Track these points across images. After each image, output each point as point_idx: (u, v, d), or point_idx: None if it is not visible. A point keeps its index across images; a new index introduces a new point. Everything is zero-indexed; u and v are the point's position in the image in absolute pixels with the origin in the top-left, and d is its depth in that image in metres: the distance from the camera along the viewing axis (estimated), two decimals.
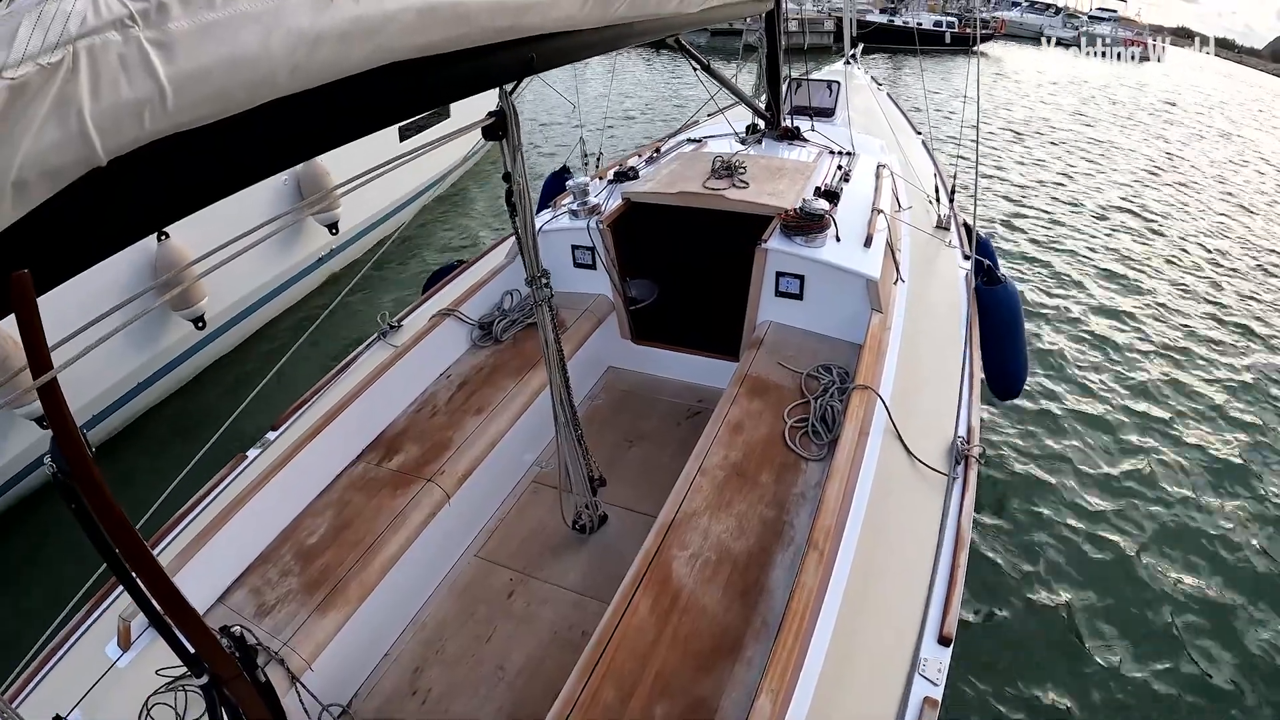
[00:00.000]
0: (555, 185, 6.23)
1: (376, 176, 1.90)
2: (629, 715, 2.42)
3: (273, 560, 3.28)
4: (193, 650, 1.80)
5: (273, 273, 7.56)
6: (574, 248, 4.61)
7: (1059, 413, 6.26)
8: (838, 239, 4.01)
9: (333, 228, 7.96)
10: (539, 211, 5.05)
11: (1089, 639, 4.28)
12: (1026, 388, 5.75)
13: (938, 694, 2.32)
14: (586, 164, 6.61)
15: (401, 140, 8.14)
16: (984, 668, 4.05)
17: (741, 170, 4.59)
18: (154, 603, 1.68)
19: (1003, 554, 4.77)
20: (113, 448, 6.16)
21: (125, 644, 2.78)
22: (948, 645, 2.45)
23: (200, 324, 6.51)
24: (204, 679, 1.85)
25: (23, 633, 2.87)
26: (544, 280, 2.94)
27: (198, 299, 6.35)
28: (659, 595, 2.76)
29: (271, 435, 3.76)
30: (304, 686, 2.80)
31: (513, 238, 4.78)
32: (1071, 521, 5.08)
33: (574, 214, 4.58)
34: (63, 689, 2.68)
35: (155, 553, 3.24)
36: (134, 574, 1.61)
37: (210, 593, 3.13)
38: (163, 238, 5.94)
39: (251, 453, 3.67)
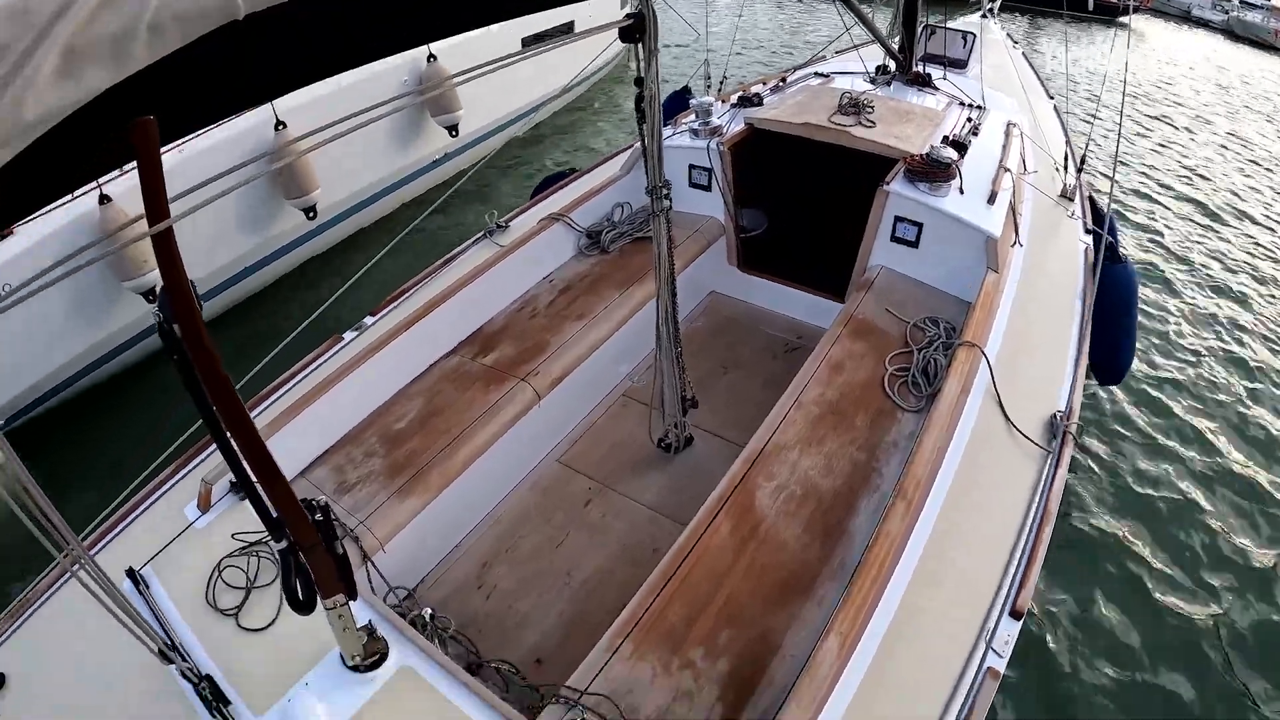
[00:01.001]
0: (676, 104, 5.99)
1: (490, 71, 1.81)
2: (694, 636, 2.34)
3: (358, 441, 3.25)
4: (275, 515, 1.76)
5: (387, 170, 7.51)
6: (691, 167, 4.44)
7: (1163, 401, 5.79)
8: (961, 191, 3.79)
9: (453, 130, 7.81)
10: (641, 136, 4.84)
11: (1159, 633, 3.96)
12: (1130, 373, 5.38)
13: (1001, 666, 2.23)
14: (709, 88, 6.40)
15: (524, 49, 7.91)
16: (1048, 646, 3.80)
17: (869, 109, 4.32)
18: (244, 465, 1.64)
19: (1085, 534, 4.47)
20: (216, 326, 6.25)
21: (204, 506, 2.80)
22: (1018, 619, 2.34)
23: (311, 214, 6.54)
24: (283, 544, 1.80)
25: (109, 490, 2.91)
26: (665, 191, 2.80)
27: (310, 188, 6.35)
28: (740, 522, 2.65)
29: (369, 320, 3.71)
30: (374, 566, 2.76)
31: (629, 151, 4.66)
32: (1161, 513, 4.67)
33: (694, 133, 4.41)
34: (139, 544, 2.71)
35: None
36: (228, 434, 1.57)
37: (293, 466, 3.11)
38: (280, 127, 5.96)
39: (348, 335, 3.64)
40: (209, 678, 2.18)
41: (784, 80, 5.45)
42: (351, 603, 2.01)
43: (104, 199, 5.05)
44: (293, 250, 6.85)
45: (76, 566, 1.75)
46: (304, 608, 1.90)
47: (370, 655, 2.15)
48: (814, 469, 2.84)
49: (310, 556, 1.84)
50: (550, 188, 4.79)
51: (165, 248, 1.28)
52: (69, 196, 4.91)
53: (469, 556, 3.27)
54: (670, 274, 2.98)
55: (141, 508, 2.84)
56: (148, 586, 2.54)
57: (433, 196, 6.59)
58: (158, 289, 1.41)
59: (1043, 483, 2.77)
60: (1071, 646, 3.83)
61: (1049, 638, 3.85)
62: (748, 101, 4.69)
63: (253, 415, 3.20)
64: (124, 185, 5.04)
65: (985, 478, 2.72)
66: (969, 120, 4.55)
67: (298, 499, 1.78)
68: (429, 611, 2.53)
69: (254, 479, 1.68)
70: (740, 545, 2.58)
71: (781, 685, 2.26)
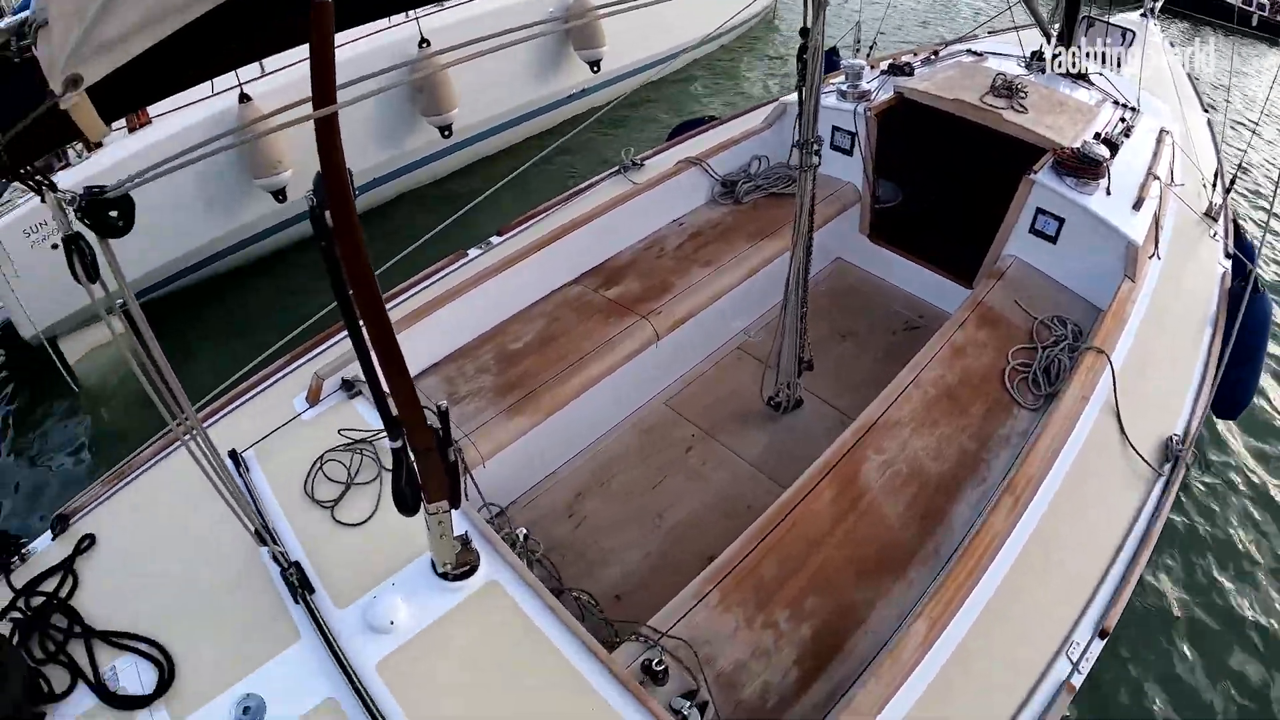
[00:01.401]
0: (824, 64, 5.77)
1: (636, 7, 1.82)
2: (781, 596, 2.30)
3: (472, 356, 3.25)
4: (395, 414, 1.74)
5: (525, 98, 7.51)
6: (835, 129, 4.23)
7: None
8: (1108, 192, 3.56)
9: (594, 65, 7.75)
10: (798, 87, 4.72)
11: (1247, 677, 3.68)
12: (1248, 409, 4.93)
13: (1077, 682, 2.16)
14: (858, 51, 6.13)
15: None
16: (1128, 667, 3.58)
17: (1022, 94, 4.02)
18: (372, 358, 1.63)
19: (1182, 562, 4.16)
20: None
21: (314, 400, 2.83)
22: (1103, 638, 2.27)
23: (447, 133, 6.62)
24: (398, 444, 1.78)
25: (222, 374, 2.97)
26: (816, 147, 2.73)
27: (448, 108, 6.41)
28: (843, 490, 2.59)
29: (495, 239, 3.70)
30: (473, 479, 2.77)
31: (772, 105, 4.49)
32: (1260, 564, 4.26)
33: (842, 95, 4.20)
34: (243, 428, 2.77)
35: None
36: (361, 325, 1.57)
37: (409, 368, 3.17)
38: (424, 44, 6.00)
39: (473, 252, 3.63)
40: (297, 564, 2.23)
41: (936, 54, 5.17)
42: (453, 511, 2.01)
43: (244, 98, 5.20)
44: (425, 166, 6.96)
45: (188, 436, 1.77)
46: (408, 509, 1.89)
47: (461, 565, 2.14)
48: (924, 450, 2.76)
49: (422, 460, 1.82)
50: (687, 132, 4.68)
51: (328, 132, 1.27)
52: (210, 92, 5.09)
53: (563, 485, 3.25)
54: (809, 232, 2.90)
55: (250, 394, 2.92)
56: (248, 469, 2.61)
57: (569, 128, 6.60)
58: (315, 175, 1.40)
59: (1149, 505, 2.65)
60: (1141, 675, 3.60)
61: (1124, 663, 3.62)
62: (898, 70, 4.45)
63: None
64: (263, 87, 5.20)
65: (1092, 489, 2.61)
66: (1122, 120, 4.22)
67: (420, 400, 1.76)
68: (523, 531, 2.52)
69: (380, 374, 1.66)
70: (840, 514, 2.53)
71: (859, 660, 2.22)
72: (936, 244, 4.21)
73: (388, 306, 3.21)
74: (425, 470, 1.85)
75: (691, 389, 3.70)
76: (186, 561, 2.36)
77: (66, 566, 2.43)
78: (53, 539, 2.58)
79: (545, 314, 3.46)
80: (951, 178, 4.53)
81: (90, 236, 1.34)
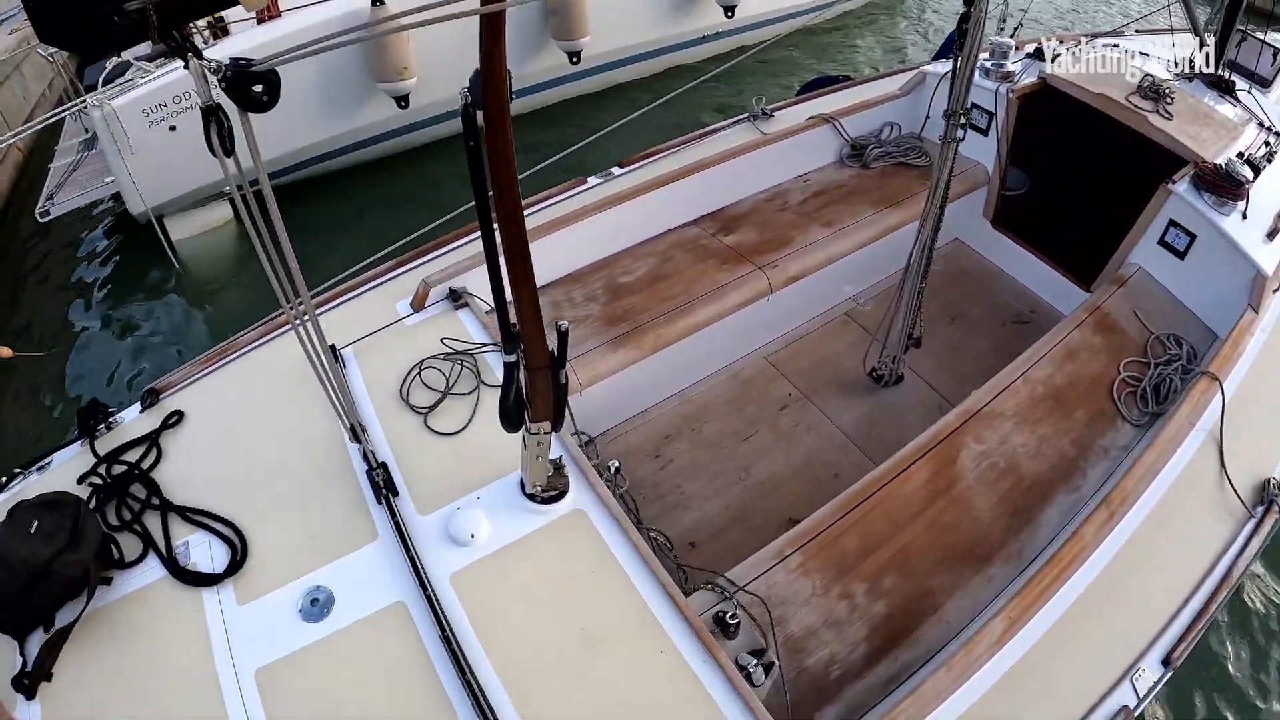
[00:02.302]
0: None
1: None
2: (861, 570, 2.25)
3: (582, 283, 3.16)
4: (515, 326, 1.64)
5: (656, 33, 7.33)
6: (973, 105, 3.92)
7: None
8: (1244, 216, 3.28)
9: (729, 10, 7.50)
10: (935, 59, 4.49)
11: None
12: None
13: (1136, 708, 2.10)
14: (1003, 29, 5.72)
15: None
16: (1184, 703, 3.34)
17: (1169, 100, 3.68)
18: (501, 269, 1.56)
19: (1257, 607, 3.80)
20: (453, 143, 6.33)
21: (419, 306, 2.75)
22: (1168, 667, 2.21)
23: (575, 59, 6.51)
24: (513, 357, 1.68)
25: (329, 271, 2.92)
26: (963, 120, 2.54)
27: (579, 34, 6.26)
28: (937, 474, 2.50)
29: (617, 171, 3.57)
30: (569, 406, 2.67)
31: (912, 72, 4.22)
32: None
33: (985, 72, 3.91)
34: (345, 325, 2.70)
35: (466, 241, 3.11)
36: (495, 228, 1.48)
37: None
38: None
39: (593, 180, 3.50)
40: (384, 465, 2.15)
41: (1083, 43, 4.81)
42: (551, 435, 1.89)
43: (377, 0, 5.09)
44: (552, 88, 6.86)
45: (299, 321, 1.70)
46: (513, 425, 1.79)
47: (550, 489, 2.04)
48: (1023, 447, 2.66)
49: (534, 377, 1.72)
50: (819, 89, 4.44)
51: (493, 27, 1.21)
52: None
53: (654, 424, 3.16)
54: (941, 206, 2.72)
55: (354, 294, 2.86)
56: (344, 366, 2.54)
57: (702, 68, 6.37)
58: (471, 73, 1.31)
59: (1236, 545, 2.54)
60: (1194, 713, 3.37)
61: (1182, 697, 3.38)
62: (1043, 54, 4.12)
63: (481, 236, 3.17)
64: None
65: (1183, 516, 2.51)
66: (1266, 144, 3.84)
67: (543, 318, 1.66)
68: (615, 464, 2.40)
69: (506, 284, 1.58)
70: (931, 497, 2.45)
71: (928, 647, 2.18)
72: (1058, 239, 3.94)
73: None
74: (535, 388, 1.74)
75: (794, 348, 3.56)
76: (273, 448, 2.31)
77: (152, 439, 2.39)
78: (141, 411, 2.55)
79: (658, 252, 3.35)
80: (1083, 174, 4.23)
81: (231, 108, 1.28)
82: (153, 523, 2.18)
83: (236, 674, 1.86)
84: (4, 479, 2.49)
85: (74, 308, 4.88)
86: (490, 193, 1.43)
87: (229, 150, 1.29)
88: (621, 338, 2.89)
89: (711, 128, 3.87)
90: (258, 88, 1.20)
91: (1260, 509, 2.62)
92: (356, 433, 1.93)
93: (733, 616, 1.93)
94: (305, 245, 4.91)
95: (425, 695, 1.76)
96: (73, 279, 5.10)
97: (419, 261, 3.01)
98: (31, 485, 2.41)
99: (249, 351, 2.71)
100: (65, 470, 2.40)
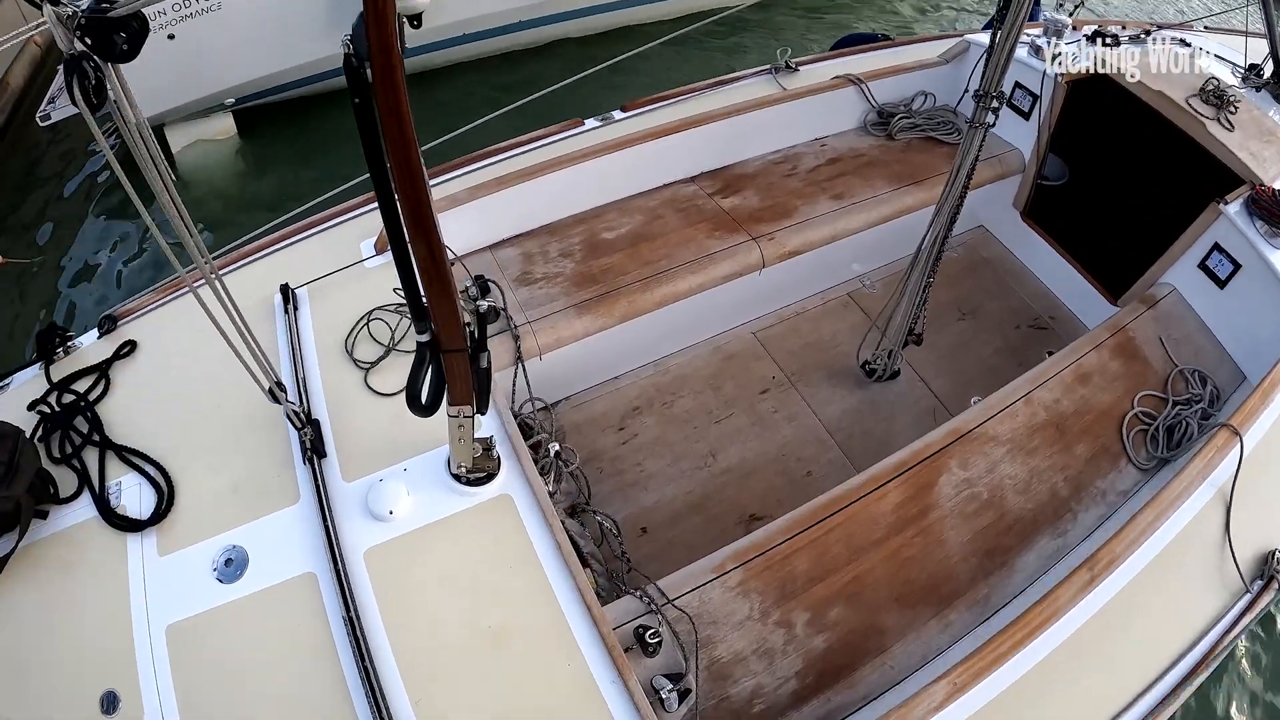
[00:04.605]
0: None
1: None
2: (807, 597, 2.10)
3: (560, 235, 3.03)
4: (425, 304, 1.56)
5: None
6: (1017, 85, 3.64)
7: None
8: None
9: None
10: (986, 28, 4.04)
11: None
12: None
13: None
14: (1062, 6, 5.29)
15: None
16: None
17: (1232, 109, 3.34)
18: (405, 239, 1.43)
19: (1231, 693, 3.44)
20: (453, 73, 6.08)
21: (381, 249, 2.68)
22: None
23: None
24: (425, 337, 1.60)
25: (306, 195, 2.86)
26: (996, 103, 2.30)
27: None
28: (911, 499, 2.32)
29: (618, 115, 3.38)
30: (524, 370, 2.58)
31: (955, 40, 3.90)
32: None
33: (1035, 50, 3.59)
34: (307, 261, 2.65)
35: (444, 180, 3.00)
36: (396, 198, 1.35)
37: (486, 236, 2.94)
38: None
39: (590, 122, 3.34)
40: (316, 422, 2.12)
41: (1146, 33, 4.42)
42: (482, 414, 1.83)
43: None
44: (556, 23, 6.49)
45: (200, 283, 1.66)
46: (422, 410, 1.73)
47: (478, 470, 2.00)
48: (1011, 479, 2.45)
49: (449, 360, 1.64)
50: (852, 47, 4.13)
51: None
52: None
53: (624, 393, 3.06)
54: (961, 196, 2.50)
55: (320, 228, 2.79)
56: (296, 308, 2.50)
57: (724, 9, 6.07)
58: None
59: (1225, 620, 2.33)
60: None
61: None
62: (1101, 38, 3.78)
63: (463, 173, 3.07)
64: None
65: (1172, 581, 2.30)
66: None
67: (457, 302, 1.55)
68: (555, 449, 2.33)
69: (411, 258, 1.46)
70: (899, 525, 2.27)
71: (865, 692, 2.04)
72: (1091, 243, 3.66)
73: (482, 163, 3.02)
74: (451, 371, 1.66)
75: (787, 325, 3.39)
76: (215, 391, 2.28)
77: (102, 370, 2.40)
78: (99, 337, 2.55)
79: (648, 209, 3.17)
80: (1127, 176, 3.86)
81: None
82: (91, 459, 2.22)
83: (149, 628, 1.89)
84: None
85: (69, 214, 4.88)
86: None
87: (94, 105, 1.18)
88: (590, 302, 2.76)
89: (727, 76, 3.64)
90: (121, 34, 1.11)
91: (1258, 583, 2.42)
92: (276, 395, 1.89)
93: (654, 635, 1.85)
94: (310, 162, 4.87)
95: (323, 675, 1.77)
96: (71, 185, 5.10)
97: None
98: None
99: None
100: (20, 393, 2.44)
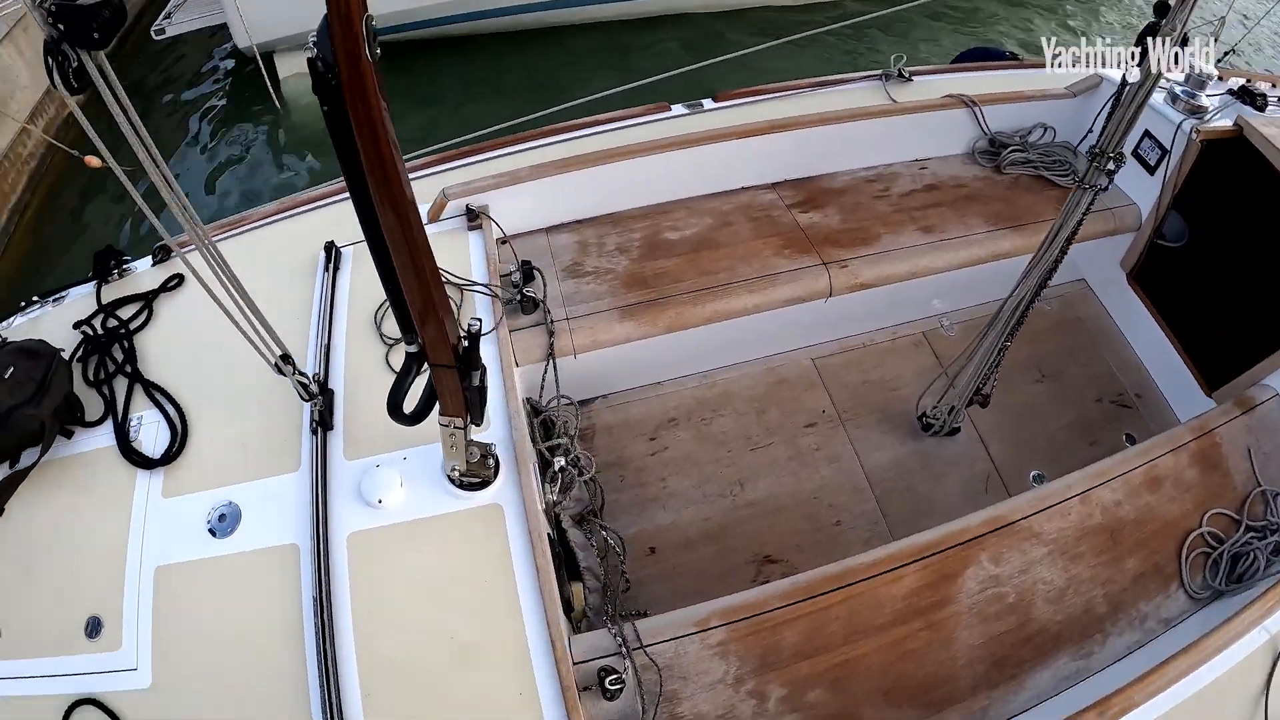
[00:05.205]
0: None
1: None
2: (789, 672, 1.93)
3: (622, 226, 2.91)
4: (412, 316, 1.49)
5: None
6: (1146, 134, 3.24)
7: None
8: None
9: None
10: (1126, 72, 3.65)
11: None
12: None
13: None
14: (1208, 52, 4.66)
15: None
16: None
17: None
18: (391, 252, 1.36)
19: None
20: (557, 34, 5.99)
21: (434, 217, 2.65)
22: None
23: None
24: (414, 348, 1.55)
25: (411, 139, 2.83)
26: (1112, 166, 1.99)
27: None
28: (928, 587, 2.08)
29: (708, 104, 3.23)
30: (555, 367, 2.51)
31: (1088, 74, 3.44)
32: None
33: (1172, 98, 3.18)
34: (354, 220, 2.64)
35: (512, 151, 2.95)
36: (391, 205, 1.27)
37: (545, 217, 2.86)
38: None
39: (677, 109, 3.20)
40: (330, 393, 2.11)
41: None
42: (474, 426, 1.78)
43: None
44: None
45: (192, 247, 1.64)
46: (406, 420, 1.69)
47: (472, 476, 1.95)
48: (1045, 585, 2.18)
49: (437, 374, 1.59)
50: (973, 62, 3.81)
51: None
52: None
53: (662, 400, 2.95)
54: (1057, 259, 2.23)
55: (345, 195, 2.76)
56: (337, 267, 2.48)
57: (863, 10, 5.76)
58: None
59: None
60: None
61: None
62: (1248, 96, 3.29)
63: (532, 146, 2.99)
64: None
65: None
66: None
67: (444, 319, 1.48)
68: (561, 463, 2.24)
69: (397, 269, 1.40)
70: (908, 614, 2.05)
71: None
72: (1198, 321, 3.26)
73: (561, 137, 2.97)
74: (440, 384, 1.61)
75: (848, 357, 3.16)
76: (246, 342, 2.30)
77: (147, 301, 2.45)
78: (152, 265, 2.61)
79: (719, 212, 3.00)
80: (1253, 254, 3.40)
81: None
82: (121, 388, 2.30)
83: (141, 564, 1.95)
84: (23, 303, 2.66)
85: (173, 129, 5.07)
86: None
87: (73, 88, 1.12)
88: (636, 308, 2.64)
89: (833, 78, 3.41)
90: (98, 18, 1.05)
91: None
92: (280, 367, 1.87)
93: (616, 680, 1.74)
94: (411, 111, 4.90)
95: (285, 649, 1.78)
96: (179, 99, 5.30)
97: (461, 162, 2.86)
98: (46, 316, 2.57)
99: (265, 225, 2.70)
100: (73, 309, 2.54)
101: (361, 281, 2.48)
